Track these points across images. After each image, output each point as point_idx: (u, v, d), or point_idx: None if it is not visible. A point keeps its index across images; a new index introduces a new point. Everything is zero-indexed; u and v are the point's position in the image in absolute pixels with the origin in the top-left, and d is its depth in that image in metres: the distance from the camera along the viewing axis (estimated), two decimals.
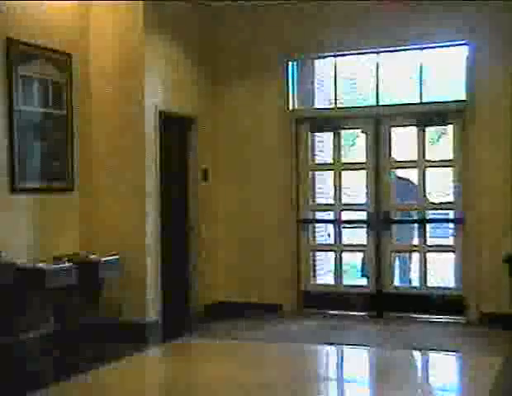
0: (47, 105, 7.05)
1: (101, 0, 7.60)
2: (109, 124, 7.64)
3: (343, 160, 8.89)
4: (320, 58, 9.35)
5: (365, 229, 8.67)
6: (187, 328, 7.94)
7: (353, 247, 9.33)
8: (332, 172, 8.85)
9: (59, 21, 7.24)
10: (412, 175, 8.78)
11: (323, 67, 10.31)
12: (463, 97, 8.13)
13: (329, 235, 9.80)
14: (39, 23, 6.97)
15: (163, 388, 6.24)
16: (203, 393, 5.80)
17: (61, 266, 6.57)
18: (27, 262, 6.49)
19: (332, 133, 8.83)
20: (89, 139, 7.62)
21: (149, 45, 7.59)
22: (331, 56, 8.86)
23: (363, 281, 8.92)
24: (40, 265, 6.48)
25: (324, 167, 9.48)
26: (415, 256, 8.62)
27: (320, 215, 9.14)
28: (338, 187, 8.74)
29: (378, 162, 8.46)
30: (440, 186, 12.44)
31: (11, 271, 6.19)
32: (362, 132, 8.68)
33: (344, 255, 8.88)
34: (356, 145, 15.57)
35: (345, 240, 8.92)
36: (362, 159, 8.71)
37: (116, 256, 7.20)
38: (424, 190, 8.39)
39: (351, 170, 9.09)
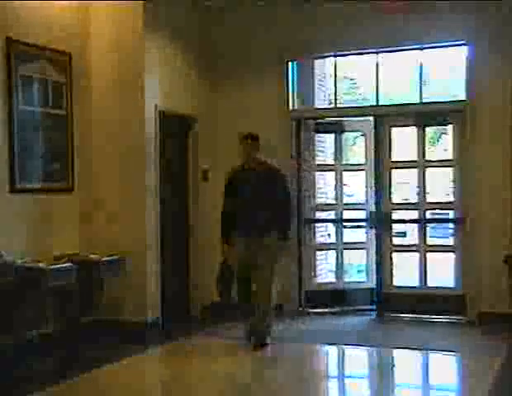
0: (47, 105, 7.05)
1: (101, 0, 7.61)
2: (109, 125, 7.65)
3: (344, 160, 8.90)
4: (319, 58, 9.35)
5: (365, 229, 8.71)
6: (187, 328, 7.94)
7: (354, 246, 9.32)
8: (332, 172, 8.86)
9: (59, 21, 7.24)
10: (412, 175, 8.78)
11: (323, 67, 10.30)
12: (463, 97, 8.14)
13: (329, 235, 9.79)
14: (39, 23, 6.97)
15: (163, 389, 6.25)
16: (203, 393, 5.80)
17: (61, 266, 6.57)
18: (27, 262, 6.49)
19: (332, 133, 8.84)
20: (89, 139, 7.62)
21: (148, 46, 7.59)
22: (331, 56, 8.88)
23: (364, 280, 8.93)
24: (40, 265, 6.47)
25: (325, 167, 9.47)
26: (416, 256, 8.62)
27: (318, 215, 9.13)
28: (339, 187, 8.77)
29: (378, 161, 8.47)
30: (440, 186, 12.45)
31: (11, 270, 6.19)
32: (362, 135, 8.69)
33: (345, 254, 8.93)
34: (357, 145, 15.56)
35: (346, 239, 8.95)
36: (363, 160, 8.72)
37: (116, 256, 7.19)
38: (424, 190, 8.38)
39: (351, 171, 9.10)
